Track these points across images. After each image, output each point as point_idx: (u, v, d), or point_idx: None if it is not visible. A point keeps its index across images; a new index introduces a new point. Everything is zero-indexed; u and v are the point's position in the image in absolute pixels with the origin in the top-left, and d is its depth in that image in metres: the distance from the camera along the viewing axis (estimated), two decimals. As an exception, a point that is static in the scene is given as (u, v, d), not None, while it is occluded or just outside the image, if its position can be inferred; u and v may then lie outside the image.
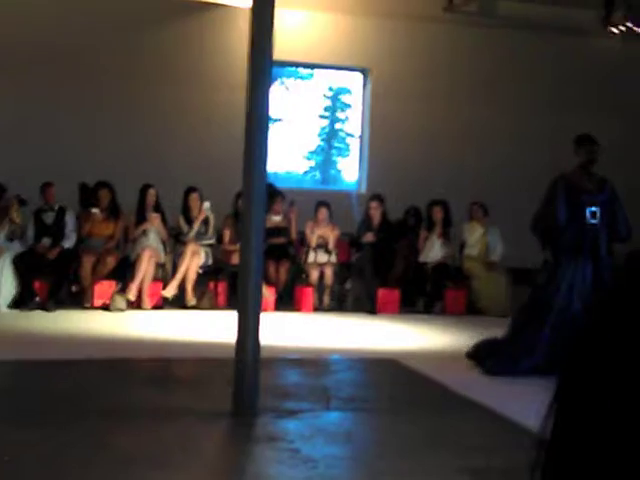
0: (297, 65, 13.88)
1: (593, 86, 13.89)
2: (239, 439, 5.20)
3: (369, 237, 10.46)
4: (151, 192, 9.98)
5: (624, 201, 13.92)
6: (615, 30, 13.92)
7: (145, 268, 9.48)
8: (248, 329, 5.36)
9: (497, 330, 9.19)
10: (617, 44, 14.01)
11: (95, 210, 9.75)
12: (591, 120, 13.93)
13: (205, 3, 12.46)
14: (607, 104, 13.96)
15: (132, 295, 9.41)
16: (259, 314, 5.41)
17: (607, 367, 0.77)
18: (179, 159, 12.07)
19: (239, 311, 5.46)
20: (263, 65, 5.47)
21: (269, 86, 5.55)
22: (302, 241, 10.48)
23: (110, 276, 9.55)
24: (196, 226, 10.05)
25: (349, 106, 14.98)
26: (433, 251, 10.54)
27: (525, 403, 5.76)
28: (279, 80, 13.98)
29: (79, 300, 9.50)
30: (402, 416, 5.58)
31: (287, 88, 14.52)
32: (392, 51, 13.16)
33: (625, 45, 13.93)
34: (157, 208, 9.99)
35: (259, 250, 5.48)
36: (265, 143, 5.48)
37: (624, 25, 13.77)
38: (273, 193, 10.18)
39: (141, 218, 9.88)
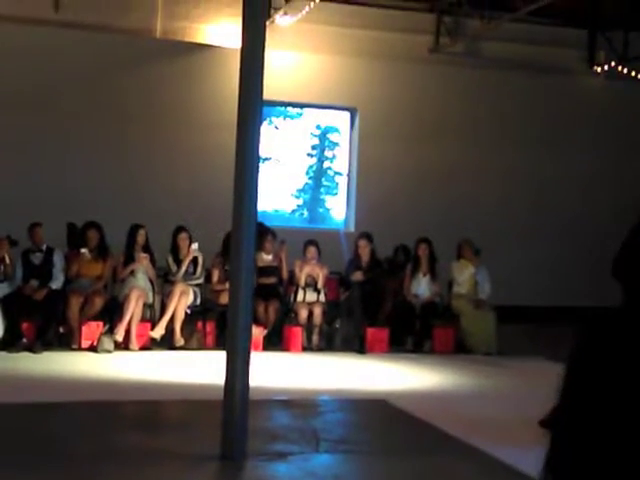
0: (286, 105, 13.97)
1: (579, 124, 14.03)
2: (228, 483, 5.13)
3: (358, 276, 10.45)
4: (141, 232, 9.95)
5: (615, 235, 13.93)
6: (599, 69, 14.11)
7: (133, 308, 9.43)
8: (237, 371, 5.31)
9: (485, 368, 9.17)
10: (601, 82, 14.19)
11: (84, 250, 9.70)
12: (579, 157, 14.08)
13: (195, 44, 12.56)
14: (593, 141, 14.09)
15: (120, 336, 9.34)
16: (248, 355, 5.37)
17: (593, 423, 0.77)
18: (168, 199, 12.07)
19: (228, 352, 5.42)
20: (253, 105, 5.50)
21: (259, 126, 5.57)
22: (291, 280, 10.46)
23: (98, 317, 9.48)
24: (184, 267, 10.01)
25: (337, 145, 15.06)
26: (420, 289, 10.54)
27: (516, 445, 5.73)
28: (268, 119, 14.06)
29: (66, 341, 9.42)
30: (392, 458, 5.53)
31: (276, 127, 14.60)
32: (379, 91, 13.28)
33: (609, 83, 14.10)
34: (147, 248, 9.96)
35: (248, 290, 5.46)
36: (255, 182, 5.48)
37: (607, 64, 13.97)
38: (264, 232, 10.19)
39: (130, 258, 9.84)
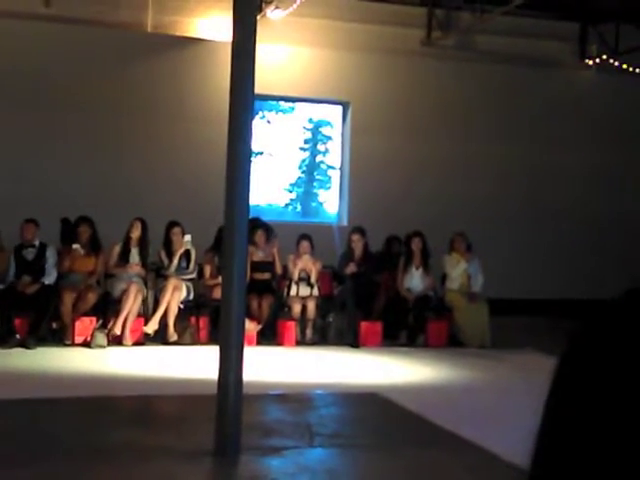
0: (278, 99, 13.94)
1: (570, 117, 14.04)
2: (222, 478, 5.13)
3: (351, 268, 10.44)
4: (135, 224, 9.93)
5: (608, 229, 14.01)
6: (590, 62, 14.12)
7: (131, 304, 9.41)
8: (230, 365, 5.30)
9: (478, 361, 9.19)
10: (593, 75, 14.20)
11: (76, 246, 9.68)
12: (570, 151, 14.10)
13: (186, 38, 12.52)
14: (584, 134, 14.11)
15: (117, 329, 9.32)
16: (242, 350, 5.36)
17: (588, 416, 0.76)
18: (160, 193, 12.04)
19: (221, 347, 5.41)
20: (245, 99, 5.49)
21: (251, 120, 5.56)
22: (284, 274, 10.45)
23: (91, 312, 9.46)
24: (176, 259, 9.99)
25: (330, 138, 15.04)
26: (413, 282, 10.54)
27: (509, 437, 5.73)
28: (260, 113, 14.03)
29: (60, 337, 9.39)
30: (385, 452, 5.53)
31: (268, 121, 14.57)
32: (371, 85, 13.26)
33: (601, 76, 14.12)
34: (143, 241, 9.93)
35: (241, 284, 5.45)
36: (247, 177, 5.48)
37: (599, 57, 13.98)
38: (257, 227, 10.18)
39: (126, 252, 9.84)
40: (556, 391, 0.79)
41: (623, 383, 0.73)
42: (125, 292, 9.46)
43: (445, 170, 13.51)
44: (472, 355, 9.60)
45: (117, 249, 9.88)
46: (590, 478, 0.73)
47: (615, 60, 13.81)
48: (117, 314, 9.37)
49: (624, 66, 13.78)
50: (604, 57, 13.91)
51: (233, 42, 5.54)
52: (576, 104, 14.07)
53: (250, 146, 5.56)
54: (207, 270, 10.10)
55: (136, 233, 9.92)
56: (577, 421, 0.75)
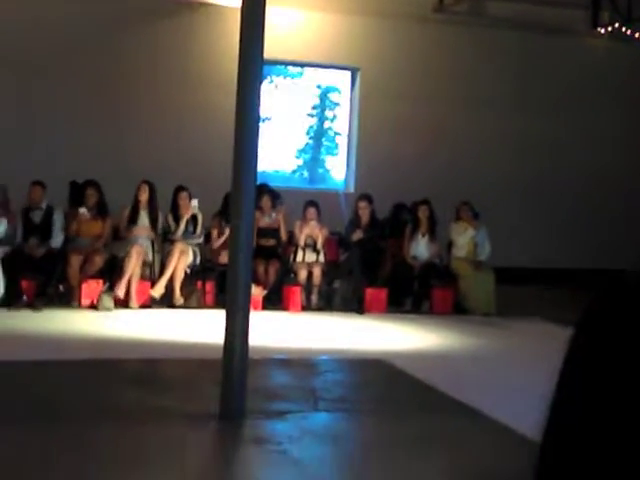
0: (287, 64, 13.86)
1: (582, 85, 13.93)
2: (227, 441, 5.19)
3: (357, 234, 10.45)
4: (142, 187, 9.94)
5: (618, 197, 13.94)
6: (602, 30, 13.97)
7: (134, 266, 9.44)
8: (236, 331, 5.34)
9: (484, 329, 9.23)
10: (604, 43, 14.07)
11: (82, 210, 9.70)
12: (581, 119, 14.01)
13: (196, 3, 12.42)
14: (596, 102, 14.01)
15: (120, 292, 9.37)
16: (248, 316, 5.39)
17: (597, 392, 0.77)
18: (168, 158, 12.03)
19: (227, 312, 5.44)
20: (253, 64, 5.46)
21: (259, 85, 5.54)
22: (290, 240, 10.47)
23: (98, 275, 9.51)
24: (183, 224, 10.01)
25: (338, 105, 14.96)
26: (419, 250, 10.56)
27: (514, 405, 5.78)
28: (268, 78, 13.95)
29: (67, 299, 9.45)
30: (390, 417, 5.59)
31: (276, 86, 14.49)
32: (381, 50, 13.16)
33: (612, 44, 13.98)
34: (151, 206, 9.96)
35: (248, 249, 5.47)
36: (255, 142, 5.47)
37: (611, 25, 13.82)
38: (264, 192, 10.18)
39: (135, 215, 9.87)
40: (571, 361, 0.79)
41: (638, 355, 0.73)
42: (127, 254, 9.50)
43: (454, 138, 13.45)
44: (477, 323, 9.64)
45: (126, 212, 9.91)
46: (603, 449, 0.73)
47: (627, 28, 13.66)
48: (121, 276, 9.42)
49: (637, 34, 13.63)
50: (616, 25, 13.75)
51: (242, 7, 5.50)
52: (587, 72, 13.95)
53: (258, 112, 5.54)
54: (214, 235, 10.13)
55: (144, 196, 9.94)
56: (591, 392, 0.76)
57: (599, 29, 14.01)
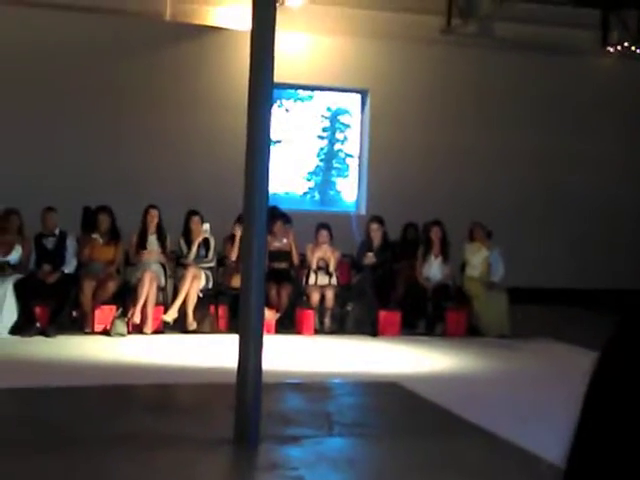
0: (297, 87, 13.92)
1: (592, 105, 13.92)
2: (241, 467, 5.14)
3: (370, 258, 10.42)
4: (152, 213, 9.96)
5: (629, 218, 13.87)
6: (612, 49, 13.98)
7: (147, 291, 9.44)
8: (249, 354, 5.31)
9: (498, 351, 9.16)
10: (614, 63, 14.06)
11: (95, 236, 9.72)
12: (590, 140, 13.98)
13: (206, 27, 12.51)
14: (606, 122, 13.98)
15: (137, 317, 9.36)
16: (261, 339, 5.37)
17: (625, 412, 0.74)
18: (179, 182, 12.08)
19: (240, 335, 5.42)
20: (264, 88, 5.47)
21: (270, 109, 5.55)
22: (302, 263, 10.45)
23: (111, 301, 9.51)
24: (195, 247, 10.01)
25: (348, 127, 15.00)
26: (432, 271, 10.51)
27: (529, 428, 5.72)
28: (278, 102, 14.01)
29: (80, 325, 9.45)
30: (405, 442, 5.53)
31: (286, 110, 14.55)
32: (391, 73, 13.20)
33: (622, 64, 13.98)
34: (160, 229, 9.97)
35: (260, 272, 5.45)
36: (266, 166, 5.47)
37: (620, 44, 13.83)
38: (276, 216, 10.17)
39: (143, 239, 9.87)
40: (597, 386, 0.77)
41: None
42: (140, 280, 9.50)
43: (465, 159, 13.44)
44: (491, 345, 9.57)
45: (135, 238, 9.91)
46: (629, 472, 0.71)
47: (637, 47, 13.66)
48: (135, 302, 9.41)
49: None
50: (626, 44, 13.76)
51: (252, 31, 5.52)
52: (598, 92, 13.94)
53: (269, 136, 5.55)
54: (229, 251, 10.08)
55: (154, 220, 9.95)
56: (617, 416, 0.74)
57: (609, 48, 14.02)
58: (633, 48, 13.71)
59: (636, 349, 0.75)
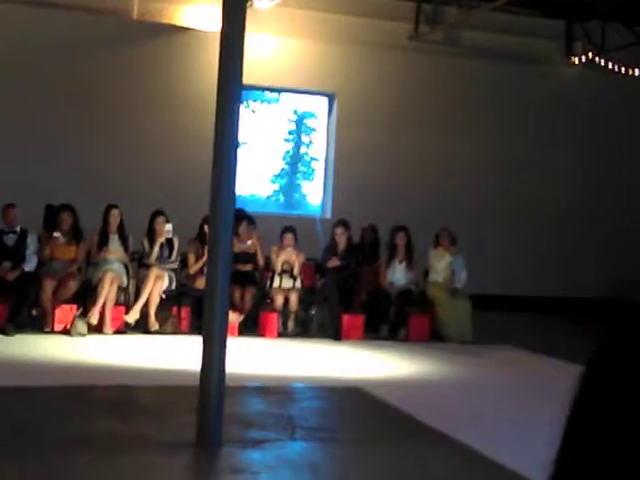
0: (264, 89, 13.89)
1: (556, 114, 14.08)
2: (203, 470, 5.10)
3: (334, 262, 10.43)
4: (114, 213, 9.85)
5: (590, 227, 14.03)
6: (576, 60, 14.16)
7: (107, 292, 9.34)
8: (213, 357, 5.27)
9: (460, 356, 9.21)
10: (578, 73, 14.25)
11: (57, 234, 9.59)
12: (553, 149, 14.14)
13: (173, 26, 12.43)
14: (569, 131, 14.15)
15: (94, 318, 9.26)
16: (225, 342, 5.33)
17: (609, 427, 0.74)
18: (146, 181, 11.99)
19: (204, 338, 5.37)
20: (232, 89, 5.44)
21: (238, 112, 5.51)
22: (267, 266, 10.42)
23: (71, 300, 9.39)
24: (157, 247, 9.91)
25: (314, 130, 14.99)
26: (396, 276, 10.55)
27: (491, 435, 5.75)
28: (245, 103, 13.96)
29: (39, 324, 9.32)
30: (367, 446, 5.53)
31: (253, 111, 14.50)
32: (358, 77, 13.24)
33: (586, 74, 14.16)
34: (121, 229, 9.87)
35: (226, 275, 5.41)
36: (234, 167, 5.43)
37: (585, 55, 14.02)
38: (241, 218, 10.12)
39: (104, 239, 9.76)
40: (585, 398, 0.76)
41: None
42: (100, 280, 9.40)
43: (430, 165, 13.52)
44: (453, 350, 9.62)
45: (96, 237, 9.80)
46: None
47: (601, 58, 13.86)
48: (94, 302, 9.30)
49: (609, 64, 13.83)
50: (590, 55, 13.95)
51: (222, 32, 5.49)
52: (561, 101, 14.11)
53: (237, 137, 5.51)
54: (191, 260, 10.05)
55: (117, 220, 9.84)
56: (603, 430, 0.73)
57: (572, 59, 14.20)
58: (596, 59, 13.90)
59: (623, 364, 0.75)
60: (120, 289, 9.62)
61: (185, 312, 9.79)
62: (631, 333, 0.76)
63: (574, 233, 14.05)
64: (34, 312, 9.43)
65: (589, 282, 13.68)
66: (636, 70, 13.79)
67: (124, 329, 9.51)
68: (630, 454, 0.71)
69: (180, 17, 12.55)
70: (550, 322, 12.29)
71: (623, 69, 13.84)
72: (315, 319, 10.40)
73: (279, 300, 10.08)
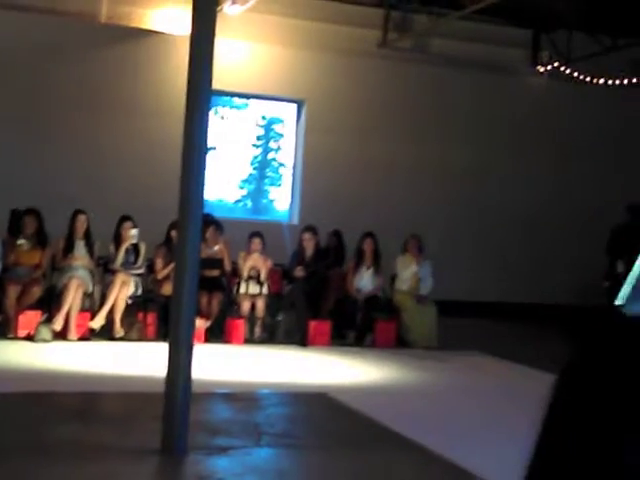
0: (233, 95, 13.85)
1: (522, 123, 14.22)
2: (168, 477, 5.06)
3: (299, 272, 10.41)
4: (80, 218, 9.76)
5: (554, 235, 14.17)
6: (542, 69, 14.32)
7: (72, 298, 9.24)
8: (179, 363, 5.23)
9: (425, 362, 9.25)
10: (544, 82, 14.40)
11: (21, 242, 9.45)
12: (521, 157, 14.27)
13: (141, 30, 12.35)
14: (535, 140, 14.29)
15: (58, 325, 9.15)
16: (191, 348, 5.30)
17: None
18: (113, 186, 11.88)
19: (170, 345, 5.33)
20: (202, 94, 5.41)
21: (207, 116, 5.48)
22: (234, 272, 10.38)
23: (35, 306, 9.27)
24: (122, 253, 9.82)
25: (282, 136, 14.99)
26: (362, 282, 10.56)
27: (456, 439, 5.78)
28: (214, 109, 13.92)
29: (2, 330, 9.19)
30: (333, 453, 5.52)
31: (222, 117, 14.47)
32: (327, 83, 13.26)
33: (552, 83, 14.32)
34: (87, 235, 9.77)
35: (193, 281, 5.37)
36: (202, 172, 5.40)
37: (551, 64, 14.18)
38: (209, 223, 10.07)
39: (70, 245, 9.65)
40: (561, 404, 0.77)
41: (623, 402, 0.71)
42: (65, 286, 9.29)
43: (398, 172, 13.57)
44: (419, 356, 9.66)
45: (61, 243, 9.69)
46: None
47: (567, 67, 14.02)
48: (59, 308, 9.20)
49: (575, 74, 13.99)
50: (556, 64, 14.11)
51: (192, 37, 5.46)
52: (528, 110, 14.25)
53: (206, 142, 5.49)
54: (158, 265, 9.98)
55: (83, 225, 9.75)
56: (576, 437, 0.74)
57: (539, 68, 14.35)
58: (562, 68, 14.07)
59: (593, 375, 0.76)
60: (85, 295, 9.52)
61: (151, 318, 9.72)
62: (600, 344, 0.77)
63: (541, 240, 14.18)
64: (-3, 318, 9.30)
65: (556, 289, 13.81)
66: (601, 79, 13.97)
67: (89, 335, 9.41)
68: (601, 460, 0.72)
69: (149, 21, 12.48)
70: (517, 328, 12.39)
71: (588, 78, 14.02)
72: (282, 325, 10.38)
73: (246, 306, 10.05)
